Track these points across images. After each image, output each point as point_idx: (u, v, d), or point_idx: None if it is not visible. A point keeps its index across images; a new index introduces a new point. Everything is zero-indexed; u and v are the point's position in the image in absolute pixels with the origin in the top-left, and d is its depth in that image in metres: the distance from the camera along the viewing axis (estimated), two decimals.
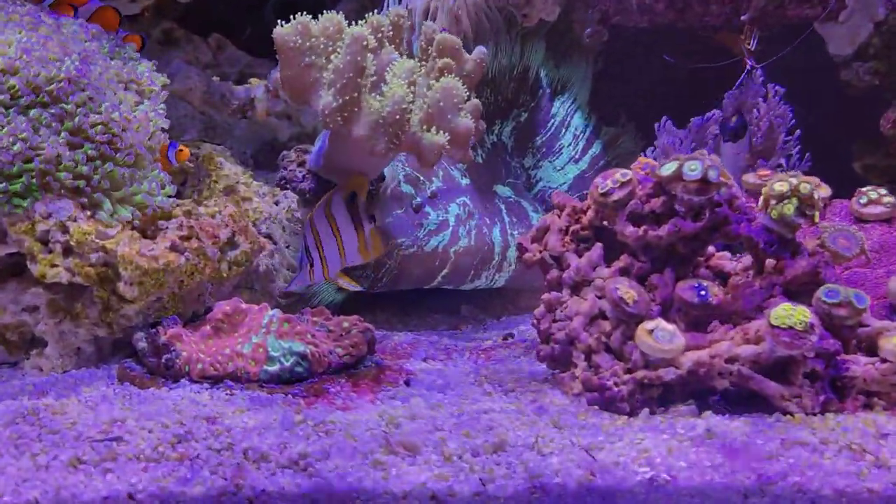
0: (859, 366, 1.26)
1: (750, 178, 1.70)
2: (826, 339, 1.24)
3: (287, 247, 1.68)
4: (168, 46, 1.87)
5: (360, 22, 1.49)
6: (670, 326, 1.28)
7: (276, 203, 1.77)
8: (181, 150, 1.54)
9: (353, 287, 1.59)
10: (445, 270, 1.71)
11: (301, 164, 1.64)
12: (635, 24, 2.02)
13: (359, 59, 1.37)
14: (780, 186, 1.34)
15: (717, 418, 1.22)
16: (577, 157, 2.01)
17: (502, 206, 1.81)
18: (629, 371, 1.30)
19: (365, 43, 1.36)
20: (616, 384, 1.29)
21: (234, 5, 2.12)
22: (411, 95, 1.38)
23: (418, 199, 1.78)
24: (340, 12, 1.49)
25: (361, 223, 1.55)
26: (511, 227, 1.79)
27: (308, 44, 1.42)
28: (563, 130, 2.01)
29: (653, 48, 2.21)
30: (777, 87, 1.93)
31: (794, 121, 1.96)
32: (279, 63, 1.45)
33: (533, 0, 1.88)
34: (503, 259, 1.76)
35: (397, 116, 1.37)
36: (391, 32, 1.56)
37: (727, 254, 1.49)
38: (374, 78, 1.44)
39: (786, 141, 1.96)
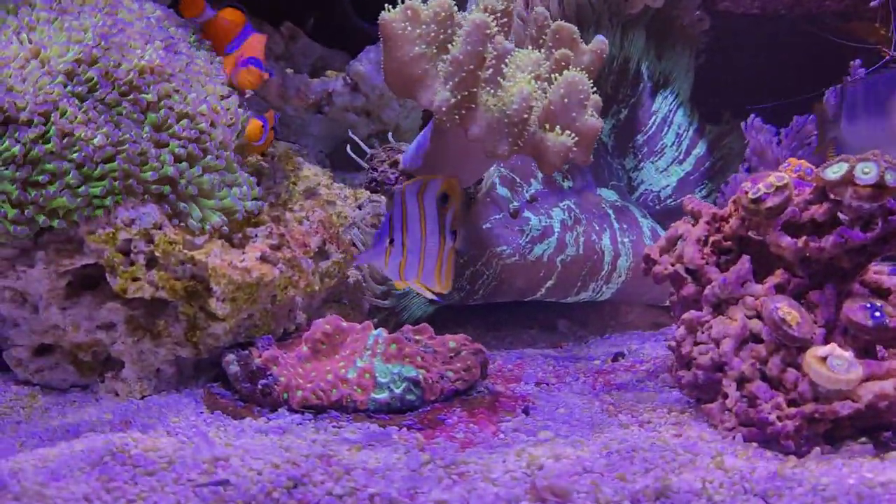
0: None
1: None
2: None
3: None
4: None
5: (472, 7, 1.32)
6: (847, 353, 1.11)
7: (360, 207, 1.62)
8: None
9: (431, 296, 1.28)
10: (551, 282, 1.55)
11: (394, 164, 1.48)
12: (745, 11, 1.86)
13: (480, 49, 1.20)
14: None
15: None
16: (680, 157, 1.85)
17: (610, 211, 1.64)
18: (793, 403, 1.14)
19: (487, 31, 1.20)
20: (780, 418, 1.12)
21: None
22: (539, 91, 1.22)
23: (516, 204, 1.62)
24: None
25: (445, 234, 1.31)
26: (622, 233, 1.62)
27: (418, 31, 1.26)
28: (666, 128, 1.85)
29: (765, 38, 2.04)
30: None
31: None
32: (383, 52, 1.29)
33: None
34: (613, 269, 1.59)
35: (525, 115, 1.20)
36: (504, 19, 1.40)
37: (886, 267, 1.32)
38: (491, 71, 1.28)
39: None
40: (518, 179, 1.64)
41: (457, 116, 1.22)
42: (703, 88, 1.95)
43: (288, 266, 1.26)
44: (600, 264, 1.58)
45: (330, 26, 2.05)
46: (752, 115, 1.80)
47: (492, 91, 1.27)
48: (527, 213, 1.60)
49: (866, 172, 1.16)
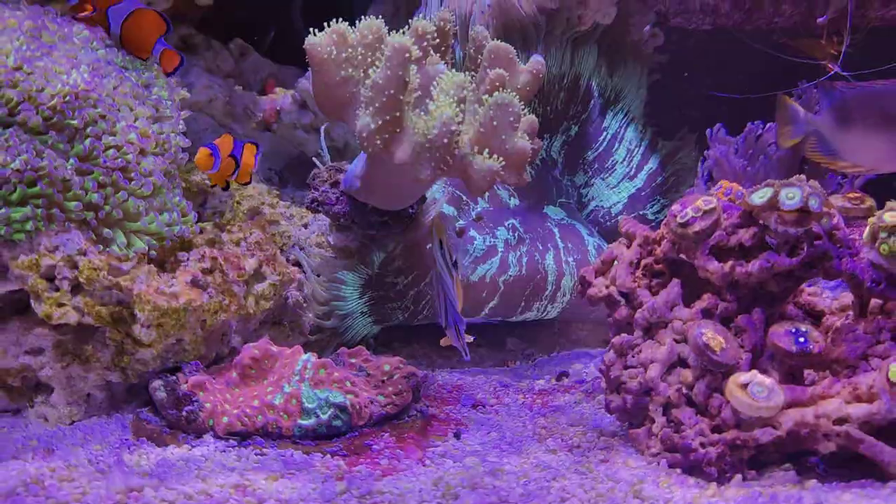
0: None
1: (837, 200, 1.52)
2: None
3: (318, 276, 1.52)
4: (187, 53, 1.71)
5: (402, 29, 1.32)
6: (767, 380, 1.10)
7: (306, 226, 1.62)
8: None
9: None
10: (493, 302, 1.55)
11: (334, 184, 1.48)
12: (697, 27, 1.85)
13: (401, 73, 1.20)
14: (892, 217, 1.16)
15: (823, 488, 1.05)
16: (631, 173, 1.84)
17: (555, 230, 1.64)
18: (717, 429, 1.13)
19: (407, 55, 1.20)
20: (703, 445, 1.12)
21: (255, 7, 1.96)
22: (461, 115, 1.22)
23: (462, 222, 1.61)
24: (381, 18, 1.33)
25: (451, 270, 1.33)
26: (566, 253, 1.61)
27: (344, 54, 1.26)
28: (617, 144, 1.84)
29: (717, 54, 2.04)
30: None
31: None
32: (311, 76, 1.29)
33: (588, 1, 1.71)
34: (557, 289, 1.59)
35: (445, 140, 1.20)
36: (437, 40, 1.39)
37: (819, 289, 1.32)
38: (419, 93, 1.28)
39: None
40: (465, 198, 1.63)
41: (379, 141, 1.22)
42: (657, 104, 1.95)
43: (218, 290, 1.26)
44: (544, 284, 1.58)
45: (286, 42, 2.05)
46: (718, 126, 1.79)
47: (421, 114, 1.26)
48: (472, 232, 1.60)
49: (791, 198, 1.16)
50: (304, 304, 1.49)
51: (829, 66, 1.81)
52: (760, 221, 1.19)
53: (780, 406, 1.10)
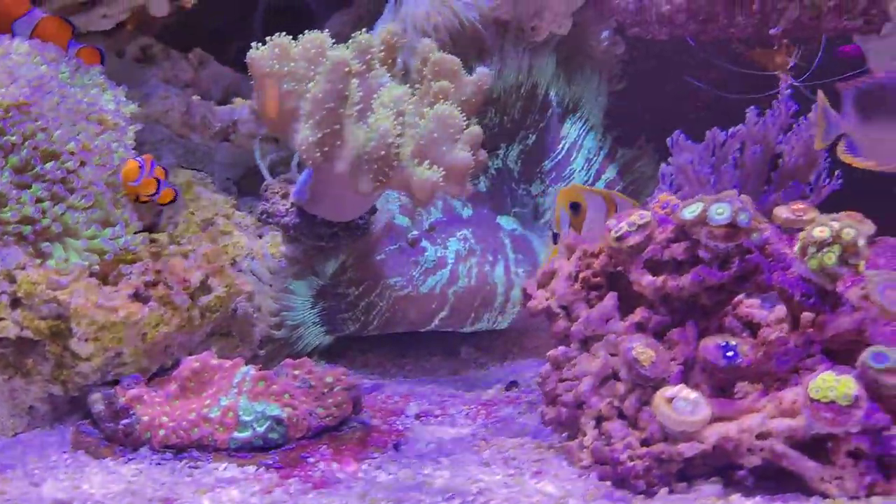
0: None
1: (782, 212, 1.52)
2: (873, 414, 1.07)
3: (270, 286, 1.53)
4: (145, 64, 1.73)
5: (347, 43, 1.33)
6: (693, 394, 1.12)
7: (260, 236, 1.63)
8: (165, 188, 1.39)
9: None
10: (443, 313, 1.56)
11: (285, 195, 1.49)
12: (654, 37, 1.86)
13: (339, 87, 1.21)
14: (821, 232, 1.17)
15: (748, 502, 1.06)
16: (589, 182, 1.85)
17: (507, 241, 1.65)
18: (645, 443, 1.15)
19: (346, 69, 1.21)
20: (630, 458, 1.13)
21: (223, 17, 1.97)
22: (399, 128, 1.23)
23: (415, 233, 1.63)
24: (326, 31, 1.34)
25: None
26: (516, 264, 1.63)
27: (286, 68, 1.27)
28: (575, 153, 1.85)
29: (677, 63, 2.05)
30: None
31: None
32: (255, 89, 1.30)
33: (543, 11, 1.72)
34: (507, 300, 1.60)
35: (382, 152, 1.21)
36: (383, 53, 1.41)
37: (757, 301, 1.33)
38: (361, 106, 1.29)
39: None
40: (418, 208, 1.65)
41: (318, 154, 1.23)
42: (618, 113, 1.96)
43: (160, 304, 1.27)
44: (493, 295, 1.59)
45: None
46: (677, 132, 1.80)
47: (363, 126, 1.28)
48: (424, 243, 1.61)
49: (720, 213, 1.17)
50: (255, 315, 1.50)
51: (783, 76, 1.82)
52: (693, 236, 1.21)
53: (706, 420, 1.11)
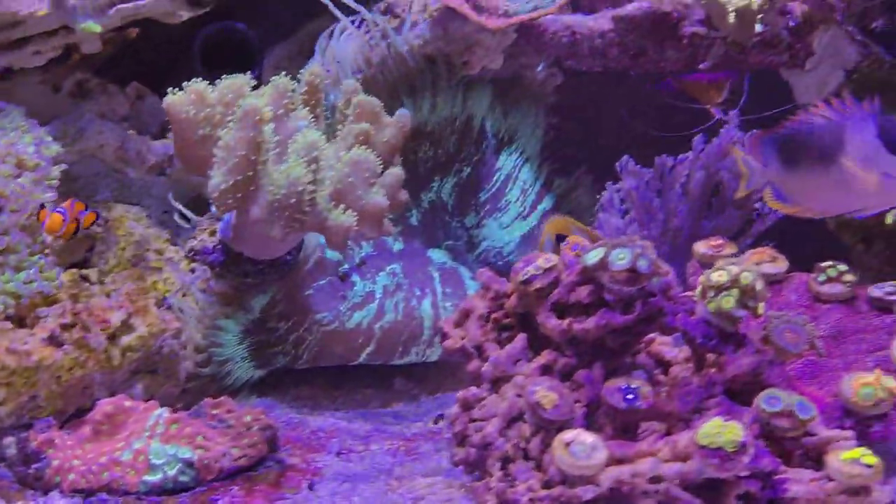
0: (802, 484, 1.12)
1: (700, 247, 1.56)
2: (762, 458, 1.10)
3: (198, 322, 1.55)
4: (80, 99, 1.74)
5: (265, 87, 1.35)
6: (590, 439, 1.14)
7: (193, 271, 1.65)
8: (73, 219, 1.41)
9: None
10: (370, 348, 1.58)
11: (213, 233, 1.51)
12: (588, 69, 1.89)
13: (252, 134, 1.23)
14: (719, 277, 1.20)
15: None
16: (525, 213, 1.88)
17: (436, 275, 1.67)
18: (547, 485, 1.17)
19: (258, 117, 1.23)
20: (531, 500, 1.15)
21: (164, 50, 1.99)
22: (310, 175, 1.25)
23: (346, 267, 1.65)
24: (248, 74, 1.35)
25: None
26: (444, 298, 1.65)
27: (203, 114, 1.29)
28: (510, 185, 1.88)
29: (615, 95, 2.08)
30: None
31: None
32: (173, 133, 1.32)
33: (474, 47, 1.74)
34: (434, 334, 1.62)
35: (292, 200, 1.23)
36: (306, 95, 1.43)
37: (670, 339, 1.36)
38: (278, 150, 1.31)
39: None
40: (350, 242, 1.67)
41: (230, 201, 1.25)
42: (557, 143, 1.98)
43: (75, 346, 1.29)
44: (420, 329, 1.61)
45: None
46: (626, 158, 1.83)
47: (278, 172, 1.30)
48: (355, 278, 1.63)
49: (620, 259, 1.19)
50: (181, 352, 1.51)
51: (712, 110, 1.85)
52: (597, 280, 1.23)
53: (602, 464, 1.13)
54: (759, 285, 1.20)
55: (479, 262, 1.82)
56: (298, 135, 1.29)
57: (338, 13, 1.69)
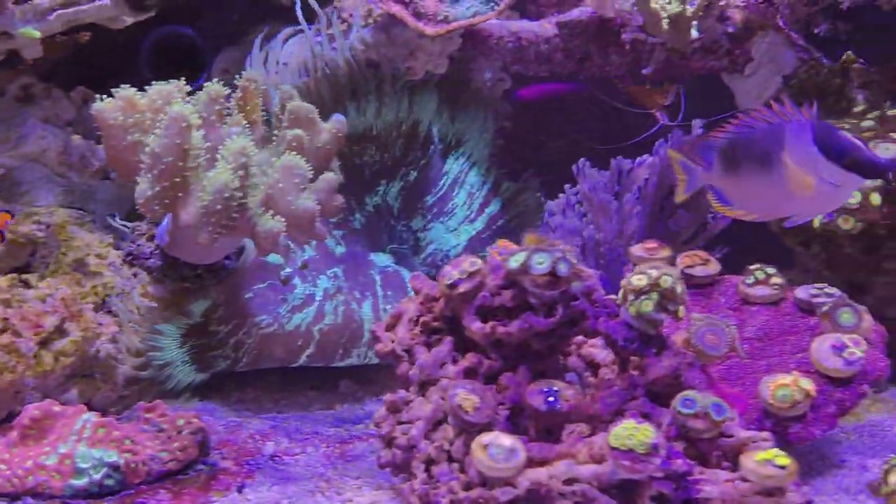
0: (717, 485, 1.13)
1: (637, 250, 1.57)
2: (675, 460, 1.11)
3: (138, 326, 1.55)
4: (25, 104, 1.74)
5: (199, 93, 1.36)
6: (508, 441, 1.15)
7: (135, 275, 1.65)
8: None
9: None
10: (310, 350, 1.59)
11: (151, 237, 1.52)
12: (535, 74, 1.91)
13: (178, 141, 1.24)
14: (638, 280, 1.21)
15: None
16: (472, 216, 1.89)
17: (377, 278, 1.69)
18: (468, 487, 1.18)
19: (184, 124, 1.24)
20: (452, 502, 1.17)
21: (112, 55, 1.99)
22: (237, 181, 1.26)
23: (289, 270, 1.65)
24: (174, 82, 1.36)
25: None
26: (385, 301, 1.66)
27: (132, 120, 1.30)
28: (458, 188, 1.89)
29: (564, 99, 2.10)
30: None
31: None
32: (103, 140, 1.33)
33: (416, 52, 1.76)
34: None
35: (218, 206, 1.24)
36: (241, 100, 1.44)
37: (600, 341, 1.37)
38: (209, 157, 1.32)
39: None
40: (293, 246, 1.68)
41: (157, 207, 1.26)
42: (506, 147, 2.00)
43: (5, 351, 1.29)
44: (361, 332, 1.62)
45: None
46: (583, 160, 1.84)
47: (206, 179, 1.30)
48: (296, 281, 1.64)
49: (540, 263, 1.21)
50: (119, 356, 1.52)
51: (657, 115, 1.87)
52: (520, 284, 1.24)
53: (520, 467, 1.14)
54: (679, 288, 1.22)
55: (425, 265, 1.83)
56: (228, 141, 1.30)
57: (299, 17, 1.69)
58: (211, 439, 1.42)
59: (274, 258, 1.64)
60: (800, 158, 1.39)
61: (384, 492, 1.28)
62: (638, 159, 1.86)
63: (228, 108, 1.41)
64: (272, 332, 1.57)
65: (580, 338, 1.35)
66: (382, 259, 1.74)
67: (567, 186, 1.84)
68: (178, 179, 1.26)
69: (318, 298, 1.61)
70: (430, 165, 1.87)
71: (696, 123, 1.80)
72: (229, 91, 1.39)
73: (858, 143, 1.36)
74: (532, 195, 1.96)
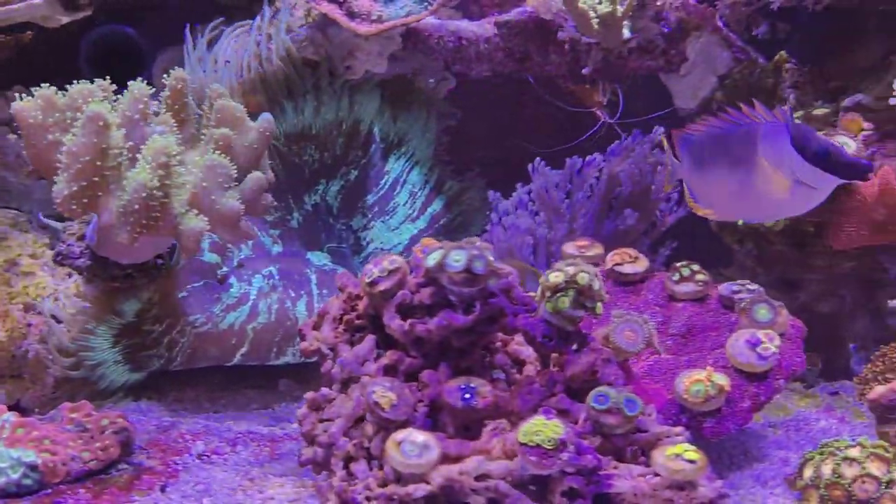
0: (629, 479, 1.15)
1: (569, 248, 1.59)
2: (585, 455, 1.12)
3: (69, 326, 1.54)
4: None
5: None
6: (421, 438, 1.16)
7: (70, 275, 1.65)
8: None
9: None
10: (244, 348, 1.59)
11: (81, 237, 1.51)
12: (477, 74, 1.91)
13: (95, 140, 1.24)
14: (556, 277, 1.23)
15: None
16: (414, 215, 1.90)
17: (313, 277, 1.69)
18: (384, 484, 1.18)
19: (101, 122, 1.24)
20: (368, 499, 1.17)
21: (54, 54, 1.98)
22: (157, 180, 1.26)
23: (225, 269, 1.65)
24: (99, 81, 1.36)
25: None
26: (320, 299, 1.66)
27: (51, 119, 1.29)
28: (399, 188, 1.90)
29: (506, 98, 2.11)
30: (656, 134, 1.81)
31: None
32: (23, 138, 1.32)
33: (355, 52, 1.76)
34: None
35: (137, 205, 1.24)
36: (170, 99, 1.44)
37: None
38: (131, 156, 1.32)
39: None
40: (229, 245, 1.67)
41: (75, 207, 1.26)
42: (449, 147, 2.01)
43: None
44: (295, 330, 1.62)
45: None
46: (537, 159, 1.85)
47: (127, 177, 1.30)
48: (232, 280, 1.64)
49: (456, 260, 1.21)
50: (50, 357, 1.51)
51: (598, 113, 1.89)
52: (438, 281, 1.25)
53: (433, 463, 1.15)
54: (597, 285, 1.23)
55: (358, 266, 1.83)
56: (149, 140, 1.30)
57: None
58: (140, 439, 1.43)
59: (210, 257, 1.64)
60: (775, 159, 1.36)
61: (307, 490, 1.29)
62: (588, 158, 1.88)
63: (158, 108, 1.40)
64: (206, 330, 1.57)
65: (506, 336, 1.37)
66: (319, 258, 1.74)
67: (519, 185, 1.85)
68: (96, 179, 1.26)
69: (252, 297, 1.61)
70: (371, 165, 1.87)
71: (658, 131, 1.81)
72: (154, 90, 1.39)
73: (836, 144, 1.34)
74: (476, 194, 1.97)
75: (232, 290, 1.61)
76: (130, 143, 1.32)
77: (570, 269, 1.23)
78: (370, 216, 1.86)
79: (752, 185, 1.38)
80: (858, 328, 1.86)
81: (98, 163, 1.25)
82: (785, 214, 1.53)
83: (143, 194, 1.24)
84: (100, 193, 1.28)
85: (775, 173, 1.37)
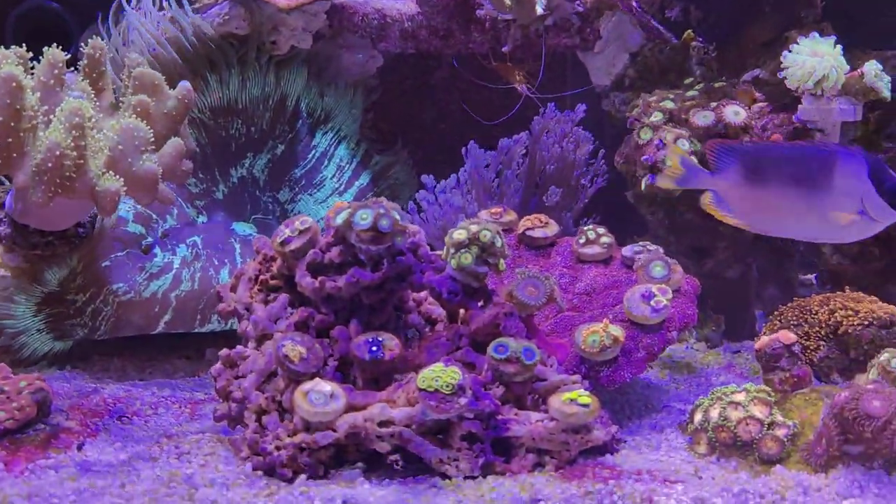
0: (526, 424, 1.21)
1: (483, 215, 1.65)
2: (483, 400, 1.18)
3: None
4: None
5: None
6: (328, 387, 1.20)
7: None
8: None
9: None
10: (167, 316, 1.61)
11: (1, 206, 1.53)
12: (403, 51, 1.96)
13: (9, 101, 1.26)
14: (459, 234, 1.28)
15: (366, 486, 1.15)
16: (341, 189, 1.94)
17: (237, 246, 1.72)
18: (294, 433, 1.23)
19: (15, 83, 1.26)
20: (277, 448, 1.21)
21: None
22: (70, 140, 1.28)
23: (150, 240, 1.68)
24: (15, 48, 1.38)
25: None
26: None
27: None
28: (326, 162, 1.93)
29: (432, 74, 2.16)
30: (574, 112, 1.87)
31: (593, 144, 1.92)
32: None
33: (279, 27, 1.80)
34: None
35: (50, 164, 1.26)
36: (87, 67, 1.46)
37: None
38: (46, 119, 1.34)
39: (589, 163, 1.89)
40: (155, 216, 1.70)
41: None
42: (376, 122, 2.05)
43: None
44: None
45: None
46: (471, 141, 1.90)
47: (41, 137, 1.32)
48: (156, 250, 1.66)
49: (363, 219, 1.26)
50: None
51: (519, 89, 1.95)
52: (348, 240, 1.30)
53: (339, 411, 1.20)
54: (499, 242, 1.29)
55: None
56: (63, 102, 1.32)
57: None
58: (61, 403, 1.45)
59: (134, 227, 1.67)
60: (848, 187, 1.38)
61: (223, 444, 1.32)
62: (514, 137, 1.93)
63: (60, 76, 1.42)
64: (129, 299, 1.59)
65: (420, 294, 1.42)
66: (244, 228, 1.78)
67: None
68: (10, 140, 1.28)
69: (175, 266, 1.64)
70: (298, 139, 1.91)
71: (580, 108, 1.87)
72: (69, 56, 1.41)
73: None
74: (403, 168, 2.02)
75: (156, 259, 1.64)
76: (45, 107, 1.35)
77: (474, 227, 1.28)
78: (297, 189, 1.90)
79: (818, 207, 1.40)
80: (767, 296, 1.96)
81: (12, 124, 1.27)
82: (836, 240, 1.55)
83: (57, 152, 1.26)
84: (14, 154, 1.30)
85: (844, 200, 1.39)
